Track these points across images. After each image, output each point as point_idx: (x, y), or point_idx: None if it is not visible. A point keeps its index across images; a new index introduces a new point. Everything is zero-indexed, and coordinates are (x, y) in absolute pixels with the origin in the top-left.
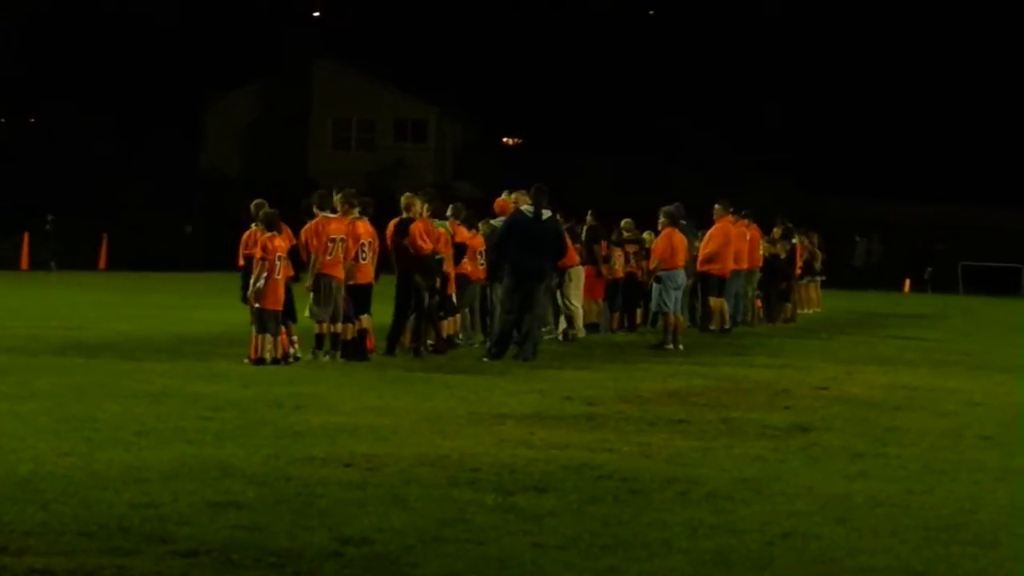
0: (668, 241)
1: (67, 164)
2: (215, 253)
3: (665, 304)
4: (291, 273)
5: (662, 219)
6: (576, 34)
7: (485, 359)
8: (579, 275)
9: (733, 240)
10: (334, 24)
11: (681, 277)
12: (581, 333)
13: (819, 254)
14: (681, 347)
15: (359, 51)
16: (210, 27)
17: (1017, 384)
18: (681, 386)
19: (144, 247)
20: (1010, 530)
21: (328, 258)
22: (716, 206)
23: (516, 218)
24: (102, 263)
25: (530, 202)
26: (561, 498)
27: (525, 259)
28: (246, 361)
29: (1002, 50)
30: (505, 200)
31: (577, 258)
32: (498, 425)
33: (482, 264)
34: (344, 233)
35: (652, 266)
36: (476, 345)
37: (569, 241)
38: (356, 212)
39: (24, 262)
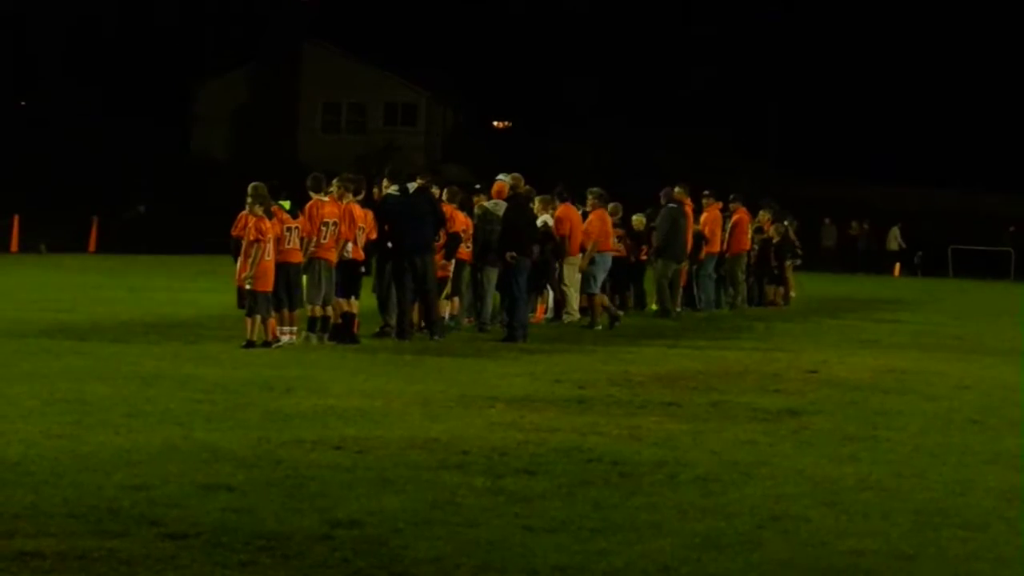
0: (602, 222)
1: (57, 148)
2: (204, 236)
3: (594, 285)
4: (301, 259)
5: (591, 200)
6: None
7: (399, 339)
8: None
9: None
10: (324, 7)
11: (609, 260)
12: (575, 316)
13: (795, 239)
14: (600, 327)
15: (349, 35)
16: (201, 11)
17: (1007, 368)
18: (671, 369)
19: (135, 230)
20: (999, 513)
21: (322, 241)
22: (705, 193)
23: (386, 199)
24: (92, 246)
25: (522, 184)
26: (551, 481)
27: (407, 235)
28: (244, 346)
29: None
30: (502, 183)
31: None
32: (488, 408)
33: (468, 246)
34: (338, 217)
35: (588, 246)
36: (464, 327)
37: (573, 229)
38: (351, 196)
39: (14, 244)
